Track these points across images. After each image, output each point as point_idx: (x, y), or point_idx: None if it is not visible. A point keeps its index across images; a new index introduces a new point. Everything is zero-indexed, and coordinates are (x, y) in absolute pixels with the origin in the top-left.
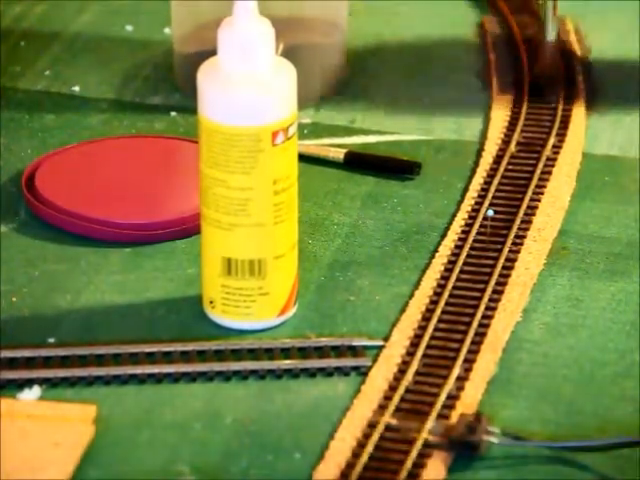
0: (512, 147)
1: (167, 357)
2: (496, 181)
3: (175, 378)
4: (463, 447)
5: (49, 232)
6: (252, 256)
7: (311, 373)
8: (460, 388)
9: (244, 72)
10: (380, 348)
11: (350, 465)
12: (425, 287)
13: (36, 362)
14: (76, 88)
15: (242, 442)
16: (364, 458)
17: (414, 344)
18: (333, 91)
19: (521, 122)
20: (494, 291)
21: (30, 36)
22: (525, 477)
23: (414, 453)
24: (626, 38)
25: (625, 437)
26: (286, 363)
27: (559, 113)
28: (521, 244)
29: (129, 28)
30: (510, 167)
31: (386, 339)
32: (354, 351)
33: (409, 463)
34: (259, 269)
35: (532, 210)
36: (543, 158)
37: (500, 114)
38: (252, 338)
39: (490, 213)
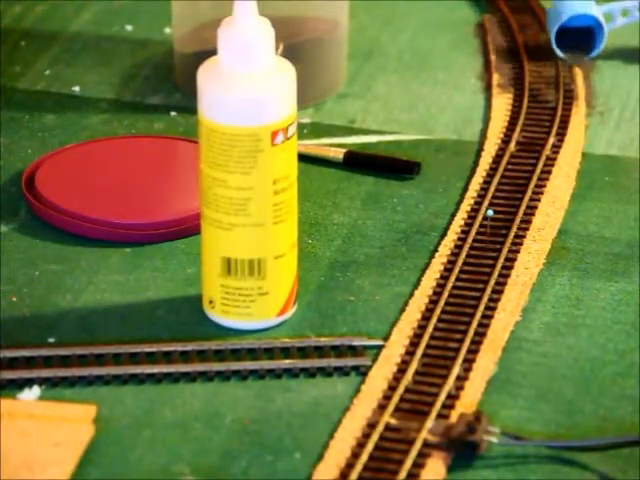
0: (512, 147)
1: (167, 357)
2: (496, 181)
3: (175, 378)
4: (463, 447)
5: (49, 232)
6: (252, 256)
7: (311, 373)
8: (460, 388)
9: (244, 72)
10: (380, 348)
11: (350, 465)
12: (425, 287)
13: (36, 362)
14: (76, 88)
15: (242, 442)
16: (364, 458)
17: (414, 344)
18: (333, 91)
19: (521, 122)
20: (494, 291)
21: (30, 36)
22: (525, 477)
23: (414, 453)
24: (626, 38)
25: (625, 437)
26: (286, 363)
27: (559, 113)
28: (521, 244)
29: (129, 28)
30: (510, 167)
31: (386, 339)
32: (354, 351)
33: (409, 463)
34: (259, 269)
35: (532, 210)
36: (543, 158)
37: (500, 114)
38: (252, 338)
39: (490, 213)
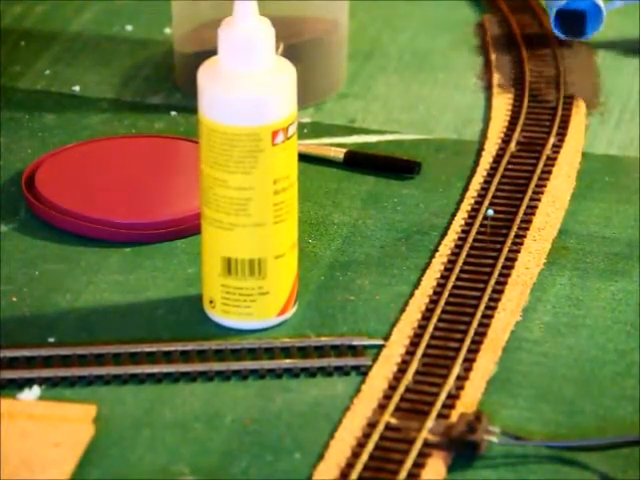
0: (512, 147)
1: (167, 357)
2: (496, 181)
3: (175, 378)
4: (463, 446)
5: (49, 232)
6: (252, 256)
7: (311, 373)
8: (460, 387)
9: (244, 72)
10: (380, 347)
11: (350, 465)
12: (425, 287)
13: (36, 362)
14: (76, 88)
15: (242, 442)
16: (364, 458)
17: (414, 343)
18: (333, 91)
19: (521, 122)
20: (494, 290)
21: (30, 36)
22: (525, 477)
23: (414, 453)
24: (626, 38)
25: (625, 437)
26: (286, 363)
27: (559, 113)
28: (521, 244)
29: (129, 28)
30: (510, 167)
31: (386, 339)
32: (354, 351)
33: (409, 463)
34: (259, 269)
35: (532, 210)
36: (543, 158)
37: (500, 114)
38: (252, 338)
39: (490, 213)
